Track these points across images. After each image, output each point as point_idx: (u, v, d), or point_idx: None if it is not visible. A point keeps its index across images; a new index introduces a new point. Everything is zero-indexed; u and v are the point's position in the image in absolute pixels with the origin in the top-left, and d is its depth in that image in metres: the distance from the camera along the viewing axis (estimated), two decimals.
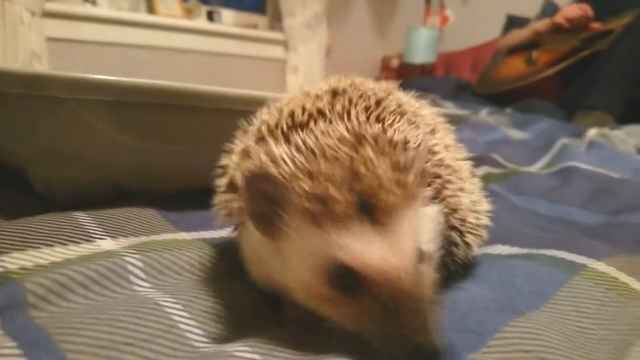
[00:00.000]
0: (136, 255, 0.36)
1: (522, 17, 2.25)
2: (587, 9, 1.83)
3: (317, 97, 0.33)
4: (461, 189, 0.37)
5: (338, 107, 0.31)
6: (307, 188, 0.26)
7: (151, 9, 2.41)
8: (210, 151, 0.34)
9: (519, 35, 2.10)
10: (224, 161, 0.34)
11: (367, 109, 0.32)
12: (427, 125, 0.37)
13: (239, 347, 0.27)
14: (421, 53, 2.96)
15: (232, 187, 0.32)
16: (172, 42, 2.39)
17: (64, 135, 0.46)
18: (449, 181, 0.36)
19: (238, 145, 0.33)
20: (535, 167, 0.96)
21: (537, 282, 0.39)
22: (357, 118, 0.30)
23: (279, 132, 0.30)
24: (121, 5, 2.30)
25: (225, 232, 0.44)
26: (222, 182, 0.33)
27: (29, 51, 1.89)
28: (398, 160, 0.27)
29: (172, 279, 0.36)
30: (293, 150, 0.28)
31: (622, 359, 0.30)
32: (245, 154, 0.30)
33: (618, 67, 1.69)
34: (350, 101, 0.32)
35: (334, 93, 0.34)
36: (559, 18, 1.87)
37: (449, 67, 3.00)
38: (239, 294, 0.35)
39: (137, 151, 0.48)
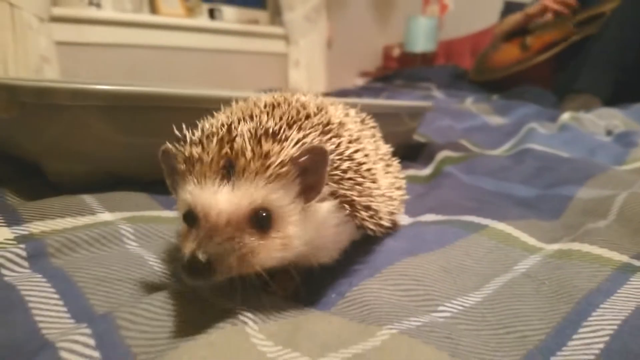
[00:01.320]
0: (128, 224, 0.47)
1: (518, 2, 2.26)
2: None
3: (257, 106, 0.39)
4: (371, 193, 0.42)
5: (267, 115, 0.37)
6: (185, 154, 0.34)
7: (154, 9, 2.50)
8: None
9: (512, 20, 2.12)
10: None
11: (291, 118, 0.37)
12: (350, 136, 0.42)
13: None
14: (421, 42, 2.99)
15: None
16: (176, 41, 2.47)
17: (68, 134, 0.56)
18: (360, 183, 0.40)
19: None
20: (499, 151, 1.05)
21: (441, 237, 0.49)
22: (276, 122, 0.35)
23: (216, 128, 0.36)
24: (125, 7, 2.37)
25: None
26: None
27: (38, 55, 1.99)
28: (268, 144, 0.33)
29: (155, 242, 0.47)
30: (203, 135, 0.35)
31: (482, 285, 0.41)
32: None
33: (605, 50, 1.71)
34: (282, 112, 0.37)
35: (274, 106, 0.39)
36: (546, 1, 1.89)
37: (449, 55, 3.03)
38: None
39: (129, 145, 0.58)
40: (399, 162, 0.54)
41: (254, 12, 2.99)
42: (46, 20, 1.99)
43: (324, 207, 0.37)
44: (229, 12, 2.85)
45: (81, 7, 2.22)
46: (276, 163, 0.32)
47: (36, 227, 0.43)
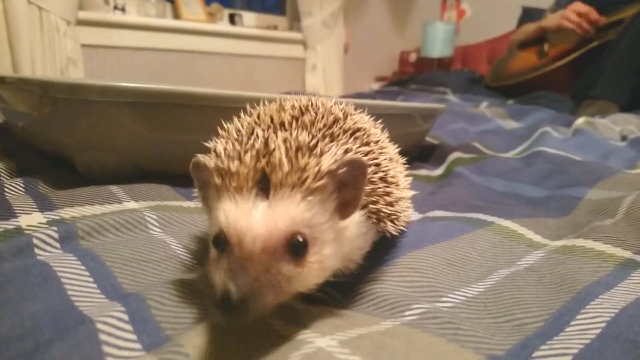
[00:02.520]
0: (152, 212, 0.50)
1: (537, 9, 2.26)
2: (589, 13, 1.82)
3: (283, 110, 0.39)
4: (395, 199, 0.42)
5: (297, 122, 0.36)
6: (218, 165, 0.31)
7: (177, 15, 2.56)
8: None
9: (527, 30, 2.12)
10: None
11: (324, 125, 0.37)
12: (377, 142, 0.42)
13: None
14: (438, 47, 3.01)
15: None
16: (197, 45, 2.53)
17: (97, 129, 0.60)
18: (388, 193, 0.40)
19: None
20: (511, 154, 1.06)
21: (446, 231, 0.51)
22: (310, 132, 0.34)
23: (242, 132, 0.35)
24: (149, 12, 2.44)
25: None
26: None
27: (65, 57, 2.05)
28: (305, 158, 0.31)
29: (177, 228, 0.49)
30: (234, 144, 0.32)
31: (485, 277, 0.42)
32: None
33: (623, 56, 1.70)
34: (311, 119, 0.37)
35: (302, 111, 0.39)
36: (564, 20, 1.85)
37: (466, 61, 3.04)
38: None
39: (154, 140, 0.62)
40: (409, 162, 0.56)
41: (273, 17, 3.04)
42: (73, 23, 2.06)
43: (355, 220, 0.35)
44: (249, 18, 2.90)
45: (106, 12, 2.28)
46: (313, 176, 0.30)
47: (67, 212, 0.46)
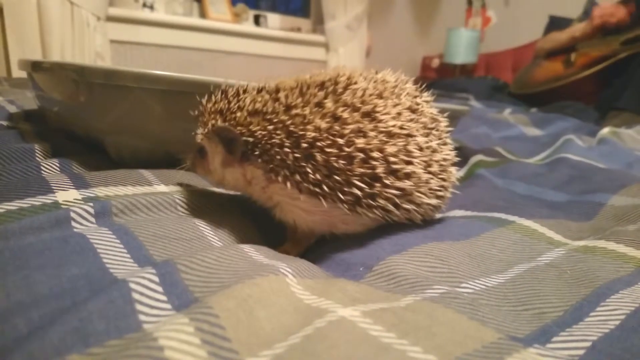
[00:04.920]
0: (181, 195, 0.52)
1: (564, 18, 2.25)
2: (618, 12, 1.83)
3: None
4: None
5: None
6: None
7: (203, 14, 2.61)
8: None
9: (556, 39, 2.11)
10: None
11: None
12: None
13: (248, 247, 0.42)
14: (462, 53, 2.98)
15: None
16: (222, 44, 2.58)
17: (131, 114, 0.62)
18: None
19: None
20: (534, 160, 1.05)
21: (467, 229, 0.52)
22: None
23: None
24: (176, 10, 2.49)
25: None
26: None
27: (94, 52, 2.11)
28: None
29: (204, 211, 0.51)
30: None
31: (506, 270, 0.43)
32: None
33: None
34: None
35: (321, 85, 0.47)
36: (594, 20, 1.87)
37: (489, 68, 3.01)
38: (244, 221, 0.51)
39: (184, 128, 0.63)
40: None
41: (297, 20, 3.08)
42: (103, 19, 2.11)
43: (233, 170, 0.49)
44: (274, 19, 2.94)
45: (135, 9, 2.34)
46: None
47: (101, 191, 0.48)
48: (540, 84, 2.11)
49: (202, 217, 0.49)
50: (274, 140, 0.43)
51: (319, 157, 0.42)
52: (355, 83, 0.47)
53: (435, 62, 3.32)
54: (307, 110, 0.44)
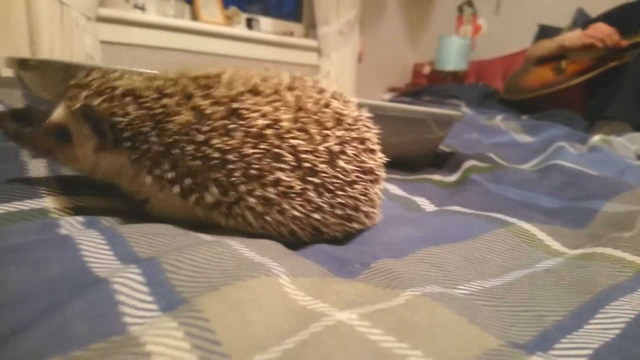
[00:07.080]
0: None
1: (554, 27, 2.28)
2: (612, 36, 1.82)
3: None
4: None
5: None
6: None
7: (195, 16, 2.59)
8: None
9: (545, 46, 2.13)
10: None
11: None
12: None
13: (237, 243, 0.40)
14: (453, 61, 3.00)
15: None
16: (214, 47, 2.55)
17: None
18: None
19: None
20: (526, 166, 1.05)
21: (465, 229, 0.51)
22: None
23: None
24: (168, 12, 2.47)
25: None
26: None
27: (84, 53, 2.07)
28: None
29: None
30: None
31: (503, 274, 0.42)
32: None
33: (638, 78, 1.70)
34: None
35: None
36: (589, 38, 1.86)
37: (480, 75, 3.03)
38: None
39: None
40: (423, 169, 0.56)
41: (290, 24, 3.07)
42: (93, 19, 2.08)
43: (105, 157, 0.46)
44: (266, 23, 2.92)
45: (126, 10, 2.31)
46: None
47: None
48: (531, 90, 2.13)
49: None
50: (143, 128, 0.41)
51: (177, 153, 0.40)
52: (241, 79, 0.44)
53: (427, 69, 3.34)
54: (173, 101, 0.41)
